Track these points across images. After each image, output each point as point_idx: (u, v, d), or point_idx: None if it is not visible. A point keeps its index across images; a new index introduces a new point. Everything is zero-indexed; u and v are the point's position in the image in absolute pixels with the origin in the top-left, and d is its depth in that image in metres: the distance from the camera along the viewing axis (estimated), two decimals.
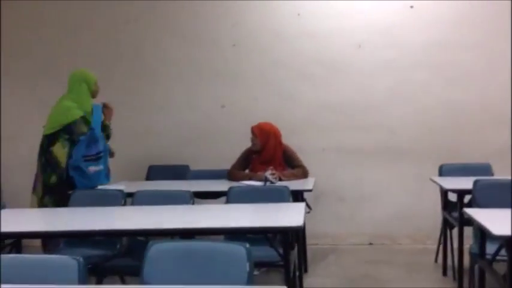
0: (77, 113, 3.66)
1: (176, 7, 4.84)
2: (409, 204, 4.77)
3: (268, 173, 3.83)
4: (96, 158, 3.68)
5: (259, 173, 3.91)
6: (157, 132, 4.91)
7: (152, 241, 1.92)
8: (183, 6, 4.83)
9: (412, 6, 4.69)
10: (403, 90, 4.74)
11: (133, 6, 4.86)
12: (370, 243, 4.82)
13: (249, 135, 4.18)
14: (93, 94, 3.81)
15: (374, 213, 4.82)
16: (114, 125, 4.33)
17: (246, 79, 4.85)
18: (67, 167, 3.61)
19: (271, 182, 3.76)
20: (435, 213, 4.44)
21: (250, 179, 3.91)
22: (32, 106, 4.93)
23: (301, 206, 2.79)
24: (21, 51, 4.94)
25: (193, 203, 3.20)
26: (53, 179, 3.63)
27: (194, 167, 4.58)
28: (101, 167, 3.66)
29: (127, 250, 3.11)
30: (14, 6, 4.88)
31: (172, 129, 4.88)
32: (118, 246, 3.13)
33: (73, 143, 3.63)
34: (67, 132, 3.64)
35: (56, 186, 3.61)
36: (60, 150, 3.64)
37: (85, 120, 3.69)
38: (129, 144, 4.63)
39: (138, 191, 3.27)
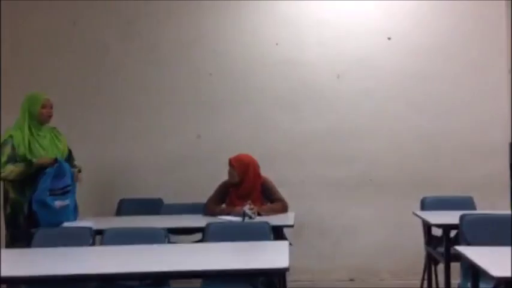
0: (5, 134, 3.45)
1: (152, 34, 4.69)
2: (391, 238, 4.64)
3: (246, 208, 3.65)
4: (63, 192, 3.43)
5: (237, 207, 3.73)
6: (129, 163, 4.68)
7: None
8: (159, 33, 4.69)
9: (389, 38, 4.67)
10: (381, 121, 4.67)
11: (108, 31, 4.69)
12: (351, 279, 4.65)
13: (227, 166, 4.01)
14: (40, 117, 3.53)
15: (355, 248, 4.66)
16: (83, 154, 4.15)
17: (223, 108, 4.70)
18: (28, 201, 3.36)
19: (250, 218, 3.58)
20: (417, 248, 4.33)
21: (227, 214, 3.72)
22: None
23: (284, 245, 2.61)
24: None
25: (168, 241, 2.99)
26: (8, 210, 3.44)
27: (168, 200, 4.36)
28: (67, 202, 3.41)
29: None
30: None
31: (145, 159, 4.66)
32: None
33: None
34: None
35: (12, 219, 3.41)
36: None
37: (12, 143, 3.41)
38: (98, 176, 4.38)
39: (107, 229, 3.04)
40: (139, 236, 3.07)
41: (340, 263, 4.65)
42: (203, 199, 4.00)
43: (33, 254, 2.72)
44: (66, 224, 3.40)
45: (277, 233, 3.42)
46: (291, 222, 3.52)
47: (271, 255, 2.44)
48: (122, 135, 4.68)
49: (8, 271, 2.27)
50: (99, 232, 3.13)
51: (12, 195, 3.44)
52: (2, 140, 3.44)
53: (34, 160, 3.41)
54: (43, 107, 3.54)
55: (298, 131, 4.68)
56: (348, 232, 4.67)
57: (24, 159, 3.42)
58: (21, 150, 3.43)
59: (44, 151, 3.50)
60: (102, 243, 2.94)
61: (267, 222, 3.17)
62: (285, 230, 3.62)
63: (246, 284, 2.49)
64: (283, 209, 3.90)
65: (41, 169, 3.38)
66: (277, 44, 4.69)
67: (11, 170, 3.38)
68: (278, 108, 4.69)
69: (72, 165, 3.65)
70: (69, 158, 3.71)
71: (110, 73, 4.69)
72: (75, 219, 3.48)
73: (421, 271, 4.37)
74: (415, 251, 4.42)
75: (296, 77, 4.68)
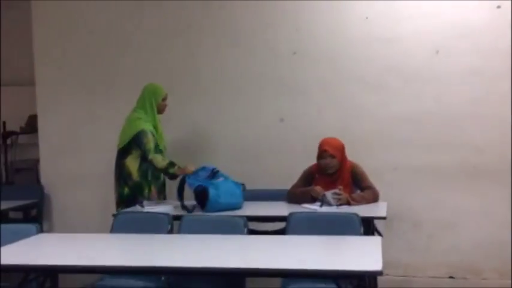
0: (142, 124, 3.69)
1: (230, 13, 4.48)
2: (497, 233, 4.10)
3: (329, 193, 3.35)
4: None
5: (317, 187, 3.44)
6: (210, 148, 4.55)
7: None
8: (238, 12, 4.47)
9: (499, 6, 4.07)
10: (488, 102, 4.11)
11: (185, 13, 4.55)
12: (451, 277, 4.20)
13: (312, 151, 3.72)
14: (159, 109, 3.82)
15: (455, 242, 4.19)
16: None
17: (308, 90, 4.39)
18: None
19: (329, 205, 3.28)
20: None
21: (308, 193, 3.46)
22: (83, 120, 4.75)
23: (377, 241, 2.29)
24: (70, 63, 4.76)
25: (247, 231, 2.79)
26: (126, 191, 3.68)
27: (250, 186, 4.15)
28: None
29: (172, 283, 2.74)
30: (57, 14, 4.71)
31: (227, 144, 4.48)
32: (163, 278, 2.77)
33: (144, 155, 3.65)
34: (136, 143, 3.67)
35: (129, 199, 3.64)
36: (131, 163, 3.69)
37: (152, 133, 3.70)
38: (180, 160, 4.26)
39: (185, 216, 2.90)
40: (217, 224, 2.92)
41: (436, 259, 4.22)
42: (286, 186, 3.77)
43: (112, 241, 2.63)
44: (147, 208, 3.35)
45: (368, 225, 3.10)
46: (383, 214, 3.18)
47: (361, 254, 2.14)
48: (201, 119, 4.55)
49: (86, 260, 2.18)
50: (178, 218, 3.01)
51: (135, 177, 3.70)
52: (139, 129, 3.68)
53: (176, 167, 3.66)
54: (164, 99, 3.81)
55: (390, 114, 4.26)
56: (446, 225, 4.21)
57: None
58: (158, 139, 3.76)
59: (163, 140, 3.82)
60: (179, 231, 2.79)
61: (356, 214, 2.86)
62: (376, 222, 3.28)
63: (331, 283, 2.21)
64: (375, 197, 3.56)
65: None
66: (367, 18, 4.28)
67: (160, 160, 3.66)
68: (368, 90, 4.29)
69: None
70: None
71: (188, 55, 4.55)
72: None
73: None
74: None
75: (388, 55, 4.24)
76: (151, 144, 3.66)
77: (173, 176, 3.68)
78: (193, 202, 3.41)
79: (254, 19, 4.45)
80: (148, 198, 3.64)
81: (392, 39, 4.23)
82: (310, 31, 4.37)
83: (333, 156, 3.56)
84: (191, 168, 3.60)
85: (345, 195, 3.44)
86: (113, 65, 4.68)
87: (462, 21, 4.13)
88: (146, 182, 3.72)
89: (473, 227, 4.16)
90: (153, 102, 3.77)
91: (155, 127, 3.77)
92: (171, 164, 3.67)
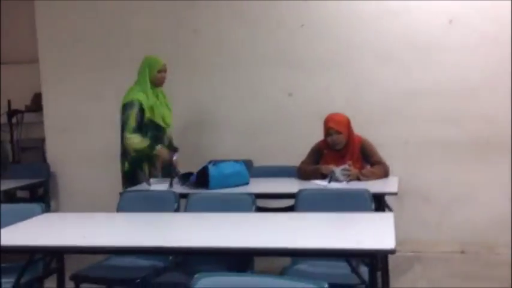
0: (132, 95, 3.58)
1: None
2: (509, 208, 4.03)
3: (339, 169, 3.27)
4: None
5: (331, 166, 3.37)
6: (217, 124, 4.48)
7: (199, 274, 1.46)
8: None
9: None
10: (505, 73, 3.98)
11: None
12: (462, 252, 4.14)
13: (321, 127, 3.63)
14: (156, 81, 3.66)
15: (467, 217, 4.13)
16: None
17: (316, 64, 4.28)
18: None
19: (337, 180, 3.21)
20: None
21: (318, 171, 3.39)
22: (88, 97, 4.68)
23: (389, 218, 2.22)
24: (74, 41, 4.66)
25: (255, 208, 2.73)
26: (126, 166, 3.61)
27: (258, 162, 4.10)
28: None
29: (180, 262, 2.70)
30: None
31: (233, 120, 4.41)
32: (170, 257, 2.73)
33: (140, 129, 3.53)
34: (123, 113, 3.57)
35: (130, 175, 3.57)
36: (127, 137, 3.55)
37: (141, 105, 3.54)
38: (186, 137, 4.21)
39: (192, 194, 2.84)
40: (225, 202, 2.86)
41: (448, 234, 4.16)
42: (294, 161, 3.69)
43: (118, 220, 2.58)
44: (153, 187, 3.29)
45: (378, 201, 3.02)
46: (394, 189, 3.10)
47: (373, 232, 2.07)
48: (208, 94, 4.47)
49: (92, 240, 2.14)
50: (184, 196, 2.96)
51: (132, 153, 3.58)
52: (128, 100, 3.56)
53: (157, 148, 3.56)
54: (160, 71, 3.65)
55: (401, 88, 4.15)
56: (458, 200, 4.14)
57: (150, 123, 3.57)
58: (148, 114, 3.56)
59: (162, 113, 3.64)
60: (186, 209, 2.74)
61: (367, 190, 2.78)
62: (386, 197, 3.21)
63: (342, 261, 2.15)
64: (385, 173, 3.47)
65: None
66: None
67: (138, 141, 3.53)
68: (378, 62, 4.18)
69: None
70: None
71: (193, 30, 4.44)
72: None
73: None
74: None
75: (399, 26, 4.12)
76: (131, 120, 3.51)
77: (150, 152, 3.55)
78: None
79: None
80: (150, 173, 3.54)
81: (403, 10, 4.10)
82: (318, 3, 4.24)
83: (339, 133, 3.48)
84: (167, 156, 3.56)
85: (354, 171, 3.36)
86: (117, 42, 4.59)
87: None
88: (145, 156, 3.57)
89: (485, 202, 4.09)
90: (147, 74, 3.63)
91: (151, 99, 3.61)
92: (151, 146, 3.55)
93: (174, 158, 3.63)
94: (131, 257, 2.76)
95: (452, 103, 4.08)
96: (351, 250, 1.85)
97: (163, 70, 3.68)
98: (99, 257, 2.85)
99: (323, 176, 3.36)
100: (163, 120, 3.68)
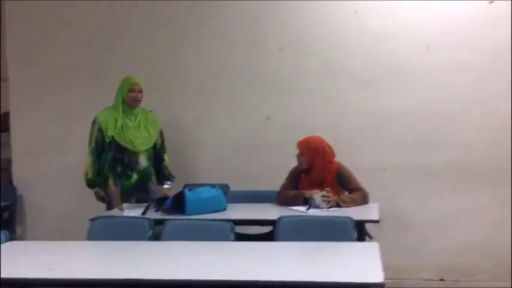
0: (97, 114, 3.58)
1: (216, 6, 4.29)
2: (488, 234, 4.02)
3: (317, 195, 3.20)
4: None
5: (314, 190, 3.30)
6: (195, 147, 4.36)
7: None
8: (222, 6, 4.27)
9: (491, 2, 3.97)
10: (479, 99, 4.01)
11: (168, 6, 4.34)
12: (441, 279, 4.09)
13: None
14: (127, 101, 3.60)
15: (446, 244, 4.08)
16: None
17: (295, 87, 4.23)
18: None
19: (317, 207, 3.14)
20: None
21: (301, 196, 3.32)
22: (58, 118, 4.51)
23: (374, 248, 2.14)
24: (44, 60, 4.51)
25: (234, 236, 2.62)
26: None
27: (235, 186, 4.00)
28: None
29: None
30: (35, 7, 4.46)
31: (209, 143, 4.31)
32: None
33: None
34: None
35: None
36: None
37: (100, 124, 3.53)
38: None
39: (168, 220, 2.71)
40: (202, 228, 2.75)
41: (427, 261, 4.11)
42: (272, 186, 3.62)
43: (87, 249, 2.42)
44: (126, 212, 3.15)
45: (359, 229, 2.95)
46: (375, 217, 3.04)
47: (359, 263, 1.98)
48: (185, 116, 4.36)
49: (57, 272, 1.98)
50: (160, 222, 2.82)
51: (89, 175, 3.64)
52: (93, 118, 3.59)
53: (95, 189, 3.61)
54: (130, 91, 3.56)
55: (380, 112, 4.13)
56: (436, 226, 4.11)
57: (112, 141, 3.52)
58: (109, 131, 3.51)
59: (132, 136, 3.55)
60: (162, 236, 2.61)
61: (350, 217, 2.71)
62: (366, 224, 3.14)
63: None
64: (364, 199, 3.42)
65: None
66: (356, 13, 4.13)
67: (87, 164, 3.59)
68: (357, 86, 4.16)
69: (162, 158, 3.77)
70: (161, 147, 3.75)
71: (171, 51, 4.35)
72: None
73: None
74: None
75: (378, 50, 4.11)
76: (92, 139, 3.54)
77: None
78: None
79: (240, 13, 4.27)
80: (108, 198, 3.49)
81: (382, 35, 4.10)
82: (298, 26, 4.21)
83: (301, 153, 3.45)
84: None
85: (333, 197, 3.30)
86: (89, 61, 4.45)
87: (453, 16, 4.02)
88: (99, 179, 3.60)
89: (464, 228, 4.06)
90: (119, 94, 3.59)
91: (119, 120, 3.54)
92: (94, 183, 3.59)
93: (166, 186, 3.60)
94: None
95: (430, 129, 4.08)
96: (338, 284, 1.76)
97: (133, 89, 3.58)
98: None
99: (306, 201, 3.29)
100: (132, 143, 3.54)
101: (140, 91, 3.60)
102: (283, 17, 4.22)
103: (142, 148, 3.60)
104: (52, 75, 4.51)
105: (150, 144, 3.65)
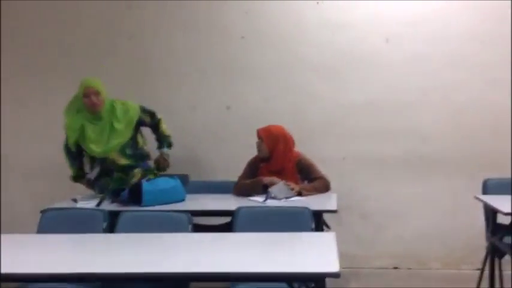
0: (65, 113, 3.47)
1: None
2: (441, 223, 4.15)
3: (277, 186, 3.20)
4: None
5: (272, 177, 3.30)
6: (151, 136, 4.27)
7: None
8: None
9: None
10: (436, 91, 4.10)
11: None
12: (395, 267, 4.19)
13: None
14: (86, 108, 3.38)
15: (401, 233, 4.19)
16: None
17: (256, 76, 4.21)
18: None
19: (275, 198, 3.14)
20: (472, 235, 3.88)
21: (259, 183, 3.31)
22: (11, 106, 4.33)
23: (331, 238, 2.16)
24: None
25: (191, 227, 2.58)
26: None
27: (195, 177, 3.95)
28: None
29: None
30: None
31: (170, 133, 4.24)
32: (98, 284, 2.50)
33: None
34: None
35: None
36: None
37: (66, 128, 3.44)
38: None
39: (123, 212, 2.64)
40: (159, 219, 2.69)
41: (383, 250, 4.20)
42: (232, 176, 3.59)
43: (38, 242, 2.33)
44: (80, 203, 3.06)
45: (317, 219, 2.96)
46: (333, 207, 3.06)
47: (316, 253, 1.99)
48: (143, 104, 4.25)
49: (11, 267, 1.90)
50: (116, 214, 2.75)
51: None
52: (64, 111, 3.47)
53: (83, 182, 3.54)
54: (84, 96, 3.32)
55: (340, 102, 4.17)
56: (392, 216, 4.20)
57: (77, 146, 3.41)
58: (72, 137, 3.38)
59: (90, 140, 3.36)
60: (115, 230, 2.54)
61: (307, 207, 2.72)
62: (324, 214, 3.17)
63: (284, 285, 2.05)
64: (326, 187, 3.45)
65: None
66: (318, 3, 4.14)
67: (67, 164, 3.55)
68: (317, 77, 4.18)
69: (157, 127, 3.63)
70: (150, 122, 3.59)
71: (130, 36, 4.23)
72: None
73: (476, 261, 3.91)
74: (470, 239, 3.98)
75: (338, 41, 4.14)
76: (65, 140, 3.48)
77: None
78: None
79: (201, 0, 4.19)
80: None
81: (343, 25, 4.13)
82: (260, 15, 4.18)
83: (262, 140, 3.44)
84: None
85: (296, 186, 3.31)
86: (48, 57, 4.28)
87: (412, 9, 4.09)
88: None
89: (418, 217, 4.17)
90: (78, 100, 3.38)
91: (76, 122, 3.37)
92: (78, 178, 3.53)
93: (164, 150, 3.57)
94: (52, 284, 2.51)
95: (387, 119, 4.14)
96: (293, 274, 1.76)
97: (87, 94, 3.31)
98: (15, 285, 2.57)
99: (265, 188, 3.28)
100: (94, 151, 3.37)
101: (96, 93, 3.32)
102: (246, 5, 4.18)
103: (107, 154, 3.38)
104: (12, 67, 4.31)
105: (118, 142, 3.38)
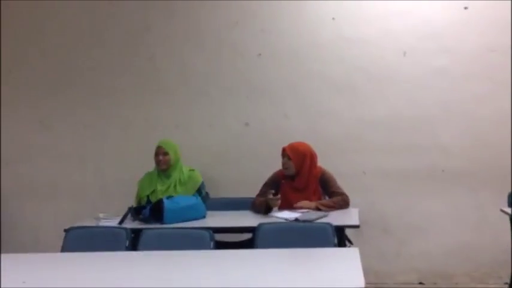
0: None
1: (194, 12, 4.26)
2: (467, 237, 4.06)
3: (299, 213, 3.16)
4: None
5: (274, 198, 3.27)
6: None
7: None
8: (201, 11, 4.25)
9: (466, 7, 4.02)
10: (458, 103, 4.05)
11: (147, 12, 4.30)
12: (421, 283, 4.11)
13: (278, 157, 3.56)
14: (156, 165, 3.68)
15: (425, 248, 4.11)
16: (118, 143, 4.22)
17: (274, 93, 4.22)
18: None
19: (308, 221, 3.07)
20: (498, 248, 3.80)
21: (263, 205, 3.29)
22: (35, 127, 4.41)
23: (355, 254, 2.12)
24: (22, 65, 4.41)
25: (213, 244, 2.58)
26: None
27: (214, 194, 3.96)
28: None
29: None
30: (15, 15, 4.37)
31: (189, 150, 4.24)
32: None
33: None
34: None
35: None
36: None
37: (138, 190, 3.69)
38: (136, 168, 3.98)
39: (145, 230, 2.65)
40: (182, 237, 2.69)
41: (407, 265, 4.12)
42: (252, 193, 3.59)
43: (60, 262, 2.35)
44: (103, 222, 3.08)
45: (339, 234, 2.94)
46: (355, 222, 3.03)
47: (340, 269, 1.96)
48: (162, 123, 4.30)
49: (31, 285, 1.91)
50: (138, 232, 2.76)
51: None
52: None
53: None
54: (155, 155, 3.66)
55: (358, 117, 4.15)
56: (415, 230, 4.12)
57: (147, 200, 3.54)
58: (144, 192, 3.60)
59: (157, 195, 3.51)
60: (138, 247, 2.55)
61: (329, 223, 2.69)
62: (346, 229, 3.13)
63: None
64: (345, 203, 3.42)
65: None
66: (333, 19, 4.15)
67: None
68: (335, 92, 4.17)
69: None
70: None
71: (150, 57, 4.30)
72: None
73: (504, 275, 3.82)
74: (496, 252, 3.88)
75: (355, 56, 4.13)
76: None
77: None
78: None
79: (218, 19, 4.24)
80: None
81: (360, 40, 4.12)
82: (276, 32, 4.21)
83: (289, 158, 3.44)
84: None
85: (313, 203, 3.29)
86: (67, 70, 4.36)
87: (429, 22, 4.07)
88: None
89: (442, 232, 4.09)
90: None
91: (151, 183, 3.69)
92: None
93: None
94: None
95: (408, 133, 4.10)
96: None
97: (157, 153, 3.68)
98: None
99: (267, 209, 3.26)
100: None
101: (165, 154, 3.63)
102: (263, 23, 4.21)
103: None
104: (25, 81, 4.41)
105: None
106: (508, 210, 3.23)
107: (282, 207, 3.35)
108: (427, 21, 4.06)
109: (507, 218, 3.32)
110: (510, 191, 3.42)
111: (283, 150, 3.49)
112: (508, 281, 3.40)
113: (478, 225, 4.03)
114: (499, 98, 4.00)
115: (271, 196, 3.27)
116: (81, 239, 2.67)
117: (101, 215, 3.17)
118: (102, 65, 4.32)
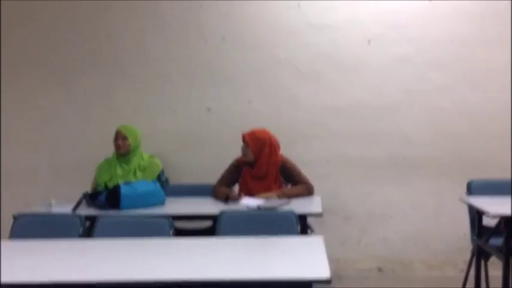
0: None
1: None
2: (425, 225, 4.12)
3: (261, 201, 3.10)
4: None
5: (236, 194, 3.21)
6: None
7: None
8: None
9: None
10: (419, 92, 4.08)
11: None
12: (379, 269, 4.15)
13: (240, 143, 3.49)
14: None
15: (384, 235, 4.15)
16: (82, 129, 4.09)
17: (238, 78, 4.13)
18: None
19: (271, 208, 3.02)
20: (455, 236, 3.87)
21: (223, 197, 3.21)
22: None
23: (319, 242, 2.08)
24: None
25: (173, 232, 2.48)
26: None
27: (176, 180, 3.86)
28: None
29: None
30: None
31: (149, 135, 4.11)
32: None
33: None
34: None
35: None
36: None
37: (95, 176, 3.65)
38: (97, 152, 3.84)
39: (101, 217, 2.53)
40: (139, 224, 2.58)
41: (367, 252, 4.16)
42: (213, 179, 3.51)
43: (7, 249, 2.20)
44: (55, 209, 2.93)
45: (301, 222, 2.89)
46: (318, 210, 2.99)
47: (304, 259, 1.91)
48: (122, 108, 4.15)
49: None
50: (92, 219, 2.63)
51: None
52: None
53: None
54: (114, 139, 3.61)
55: (322, 105, 4.12)
56: (376, 218, 4.16)
57: (105, 185, 3.49)
58: (101, 178, 3.56)
59: (116, 181, 3.47)
60: (92, 235, 2.42)
61: (292, 211, 2.64)
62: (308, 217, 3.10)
63: None
64: (309, 191, 3.39)
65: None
66: (299, 5, 4.08)
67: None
68: (299, 79, 4.12)
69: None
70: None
71: (109, 39, 4.12)
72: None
73: (460, 263, 3.91)
74: (454, 241, 3.96)
75: (320, 43, 4.09)
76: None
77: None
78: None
79: (181, 1, 4.10)
80: None
81: (325, 27, 4.08)
82: (240, 16, 4.11)
83: (247, 145, 3.37)
84: None
85: (274, 193, 3.24)
86: (19, 51, 4.13)
87: (394, 11, 4.06)
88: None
89: (402, 219, 4.13)
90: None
91: (111, 167, 3.67)
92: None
93: None
94: None
95: (370, 122, 4.11)
96: (281, 281, 1.67)
97: (116, 138, 3.62)
98: None
99: (226, 200, 3.20)
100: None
101: (124, 138, 3.57)
102: (228, 7, 4.10)
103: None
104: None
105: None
106: (467, 199, 3.27)
107: (242, 195, 3.29)
108: (392, 10, 4.06)
109: (465, 206, 3.37)
110: (469, 179, 3.46)
111: (243, 136, 3.42)
112: (465, 268, 3.45)
113: (436, 213, 4.09)
114: (460, 88, 4.06)
115: (233, 192, 3.22)
116: (31, 226, 2.51)
117: (53, 202, 3.01)
118: (58, 46, 4.12)
